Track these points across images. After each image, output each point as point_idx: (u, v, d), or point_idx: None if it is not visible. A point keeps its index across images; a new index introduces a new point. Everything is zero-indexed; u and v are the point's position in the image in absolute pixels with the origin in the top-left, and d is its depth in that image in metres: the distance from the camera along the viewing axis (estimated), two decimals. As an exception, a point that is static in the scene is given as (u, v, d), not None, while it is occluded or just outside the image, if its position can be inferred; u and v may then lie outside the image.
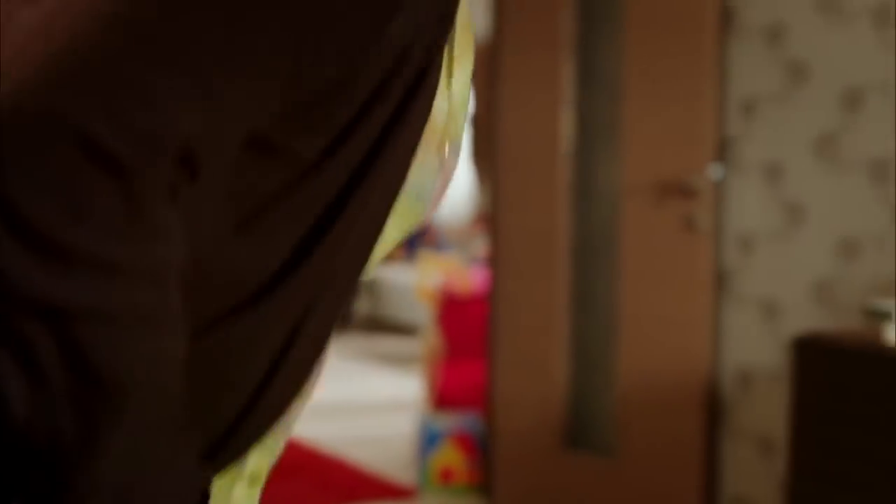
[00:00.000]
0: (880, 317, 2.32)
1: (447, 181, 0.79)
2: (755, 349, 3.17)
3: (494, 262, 3.92)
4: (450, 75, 0.75)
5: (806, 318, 3.03)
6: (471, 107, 0.75)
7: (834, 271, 2.96)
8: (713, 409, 3.27)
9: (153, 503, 0.58)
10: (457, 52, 0.76)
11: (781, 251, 3.10)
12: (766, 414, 3.14)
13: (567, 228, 3.68)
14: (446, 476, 4.12)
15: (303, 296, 0.69)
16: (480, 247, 7.22)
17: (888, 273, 2.82)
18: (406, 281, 8.21)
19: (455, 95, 0.77)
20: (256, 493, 0.76)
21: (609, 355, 3.56)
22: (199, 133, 0.59)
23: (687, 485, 3.26)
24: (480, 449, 4.13)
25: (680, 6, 3.27)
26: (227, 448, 0.69)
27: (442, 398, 4.55)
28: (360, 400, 5.98)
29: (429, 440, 4.13)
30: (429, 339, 4.80)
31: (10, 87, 0.55)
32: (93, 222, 0.54)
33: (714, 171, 3.22)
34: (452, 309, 4.73)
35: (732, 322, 3.24)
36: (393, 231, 0.76)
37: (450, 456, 4.13)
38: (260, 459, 0.75)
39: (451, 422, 4.15)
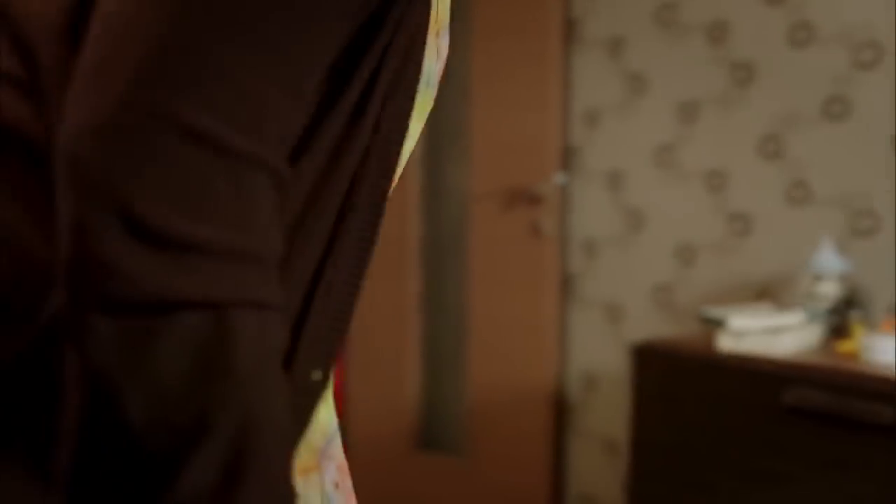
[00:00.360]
0: (713, 324, 2.43)
1: (443, 65, 0.81)
2: (600, 353, 3.26)
3: (346, 265, 3.92)
4: None
5: (647, 323, 3.13)
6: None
7: (673, 277, 3.07)
8: (560, 411, 3.35)
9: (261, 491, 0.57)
10: None
11: (623, 257, 3.20)
12: (609, 416, 3.24)
13: (417, 232, 3.71)
14: (299, 479, 4.11)
15: (348, 176, 0.70)
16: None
17: (723, 280, 2.94)
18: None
19: None
20: (331, 406, 0.76)
21: (459, 358, 3.62)
22: (293, 116, 0.60)
23: (535, 484, 3.34)
24: (333, 452, 4.14)
25: (525, 16, 3.33)
26: (303, 354, 0.69)
27: (294, 401, 4.53)
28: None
29: (281, 444, 4.11)
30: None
31: (106, 88, 0.55)
32: (208, 216, 0.54)
33: (559, 179, 3.30)
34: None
35: (578, 326, 3.33)
36: (416, 123, 0.78)
37: (303, 459, 4.12)
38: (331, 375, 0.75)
39: (303, 425, 4.14)
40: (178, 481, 0.54)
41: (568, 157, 3.35)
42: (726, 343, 2.39)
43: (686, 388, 2.43)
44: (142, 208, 0.53)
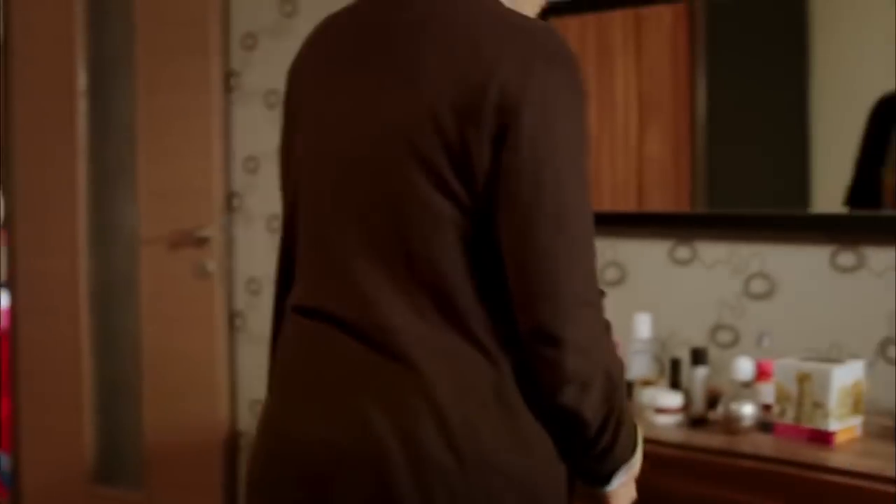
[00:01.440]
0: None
1: None
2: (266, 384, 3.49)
3: (14, 303, 3.95)
4: None
5: (307, 355, 3.39)
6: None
7: (328, 314, 3.34)
8: (232, 440, 3.56)
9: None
10: None
11: (285, 295, 3.44)
12: (276, 443, 3.48)
13: (87, 272, 3.80)
14: (-25, 517, 4.09)
15: None
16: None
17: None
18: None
19: None
20: None
21: (135, 394, 3.74)
22: None
23: (211, 509, 3.54)
24: (7, 486, 4.14)
25: (187, 70, 3.50)
26: None
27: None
28: None
29: (-45, 483, 4.07)
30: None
31: (555, 302, 1.24)
32: (599, 333, 1.27)
33: (223, 222, 3.49)
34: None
35: (246, 359, 3.55)
36: None
37: (-22, 496, 4.10)
38: None
39: (-23, 461, 4.11)
40: (604, 434, 1.30)
41: (231, 202, 3.55)
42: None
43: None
44: (580, 342, 1.23)
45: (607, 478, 1.36)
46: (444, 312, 1.26)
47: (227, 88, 3.53)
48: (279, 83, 3.42)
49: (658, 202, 2.68)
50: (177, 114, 3.54)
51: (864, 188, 2.42)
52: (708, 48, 2.60)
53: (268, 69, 3.45)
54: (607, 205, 2.75)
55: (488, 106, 1.21)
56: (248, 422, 3.55)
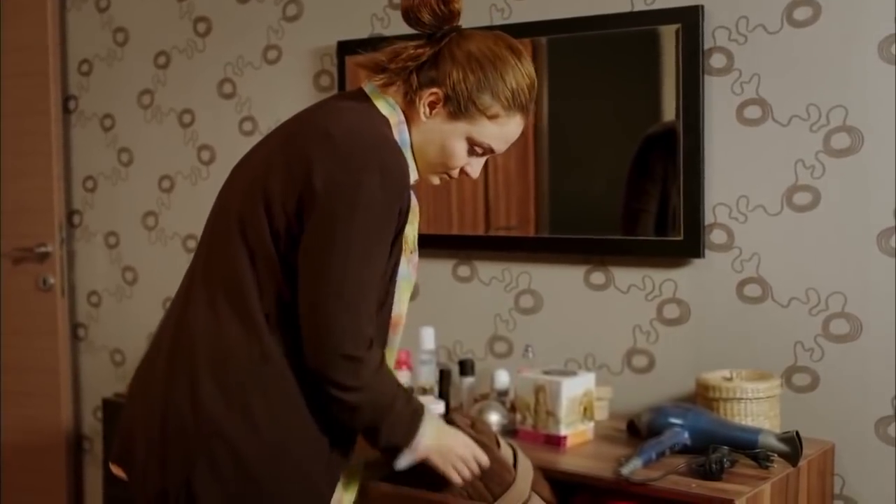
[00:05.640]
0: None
1: (415, 267, 1.79)
2: (108, 389, 3.70)
3: None
4: (410, 220, 1.71)
5: (143, 364, 3.59)
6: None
7: (161, 325, 3.55)
8: (76, 443, 3.76)
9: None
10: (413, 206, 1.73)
11: (122, 307, 3.65)
12: (114, 446, 3.69)
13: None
14: None
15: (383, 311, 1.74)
16: None
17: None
18: None
19: (413, 227, 1.74)
20: None
21: (-15, 400, 3.92)
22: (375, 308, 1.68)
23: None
24: None
25: (28, 91, 3.67)
26: None
27: None
28: None
29: None
30: None
31: (322, 341, 1.60)
32: (353, 376, 1.62)
33: (63, 238, 3.68)
34: None
35: (88, 367, 3.75)
36: (404, 297, 1.76)
37: None
38: None
39: None
40: (378, 435, 1.69)
41: (71, 219, 3.74)
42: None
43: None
44: (346, 383, 1.62)
45: (394, 457, 1.74)
46: (238, 317, 1.64)
47: (66, 111, 3.72)
48: (114, 108, 3.61)
49: (444, 225, 2.93)
50: (18, 135, 3.71)
51: (629, 218, 2.67)
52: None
53: (103, 94, 3.64)
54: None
55: (308, 183, 1.60)
56: (92, 426, 3.75)
